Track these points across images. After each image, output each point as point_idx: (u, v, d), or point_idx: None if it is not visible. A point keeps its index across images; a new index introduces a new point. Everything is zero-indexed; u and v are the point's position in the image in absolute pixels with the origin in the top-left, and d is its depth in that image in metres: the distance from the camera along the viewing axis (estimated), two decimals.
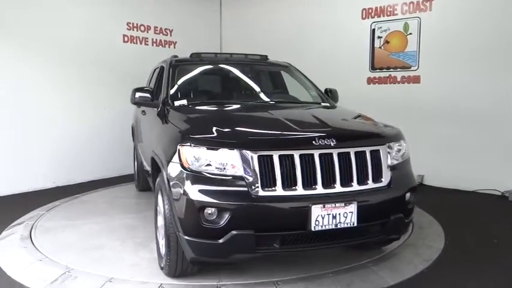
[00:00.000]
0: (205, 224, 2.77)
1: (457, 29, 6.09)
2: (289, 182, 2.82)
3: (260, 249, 2.84)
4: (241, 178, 2.80)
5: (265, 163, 2.81)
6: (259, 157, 2.81)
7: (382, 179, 3.06)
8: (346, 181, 2.94)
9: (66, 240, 4.13)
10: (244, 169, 2.80)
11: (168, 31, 7.93)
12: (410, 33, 6.52)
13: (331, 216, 2.82)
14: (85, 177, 6.75)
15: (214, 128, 3.12)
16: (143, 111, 4.98)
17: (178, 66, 4.58)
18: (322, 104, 4.43)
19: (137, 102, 4.25)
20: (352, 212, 2.86)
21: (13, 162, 5.97)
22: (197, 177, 2.84)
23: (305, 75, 4.92)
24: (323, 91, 4.71)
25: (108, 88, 6.92)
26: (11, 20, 5.79)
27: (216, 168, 2.83)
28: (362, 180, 2.99)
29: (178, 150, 2.94)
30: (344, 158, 2.94)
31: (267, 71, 5.15)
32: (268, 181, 2.80)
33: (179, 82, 4.40)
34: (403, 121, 6.62)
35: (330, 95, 4.65)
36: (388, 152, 3.16)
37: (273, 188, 2.80)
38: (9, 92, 5.86)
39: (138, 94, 4.18)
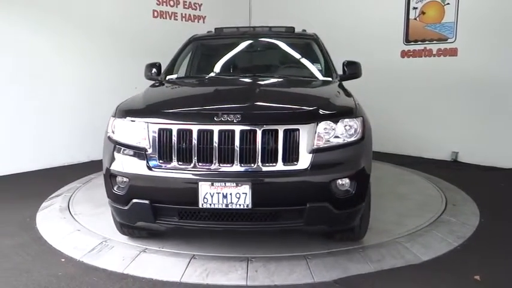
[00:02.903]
0: (116, 191, 3.04)
1: None
2: (184, 156, 2.86)
3: (160, 220, 2.98)
4: (144, 149, 2.93)
5: (164, 136, 2.89)
6: (159, 130, 2.90)
7: (297, 162, 2.81)
8: (247, 161, 2.80)
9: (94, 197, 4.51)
10: (148, 140, 2.93)
11: (197, 5, 7.86)
12: (448, 3, 6.22)
13: (221, 195, 2.78)
14: None
15: (146, 101, 3.29)
16: None
17: (192, 41, 4.64)
18: (320, 79, 4.10)
19: (151, 78, 4.31)
20: (245, 194, 2.76)
21: (49, 137, 6.16)
22: (113, 147, 3.08)
23: (322, 47, 4.51)
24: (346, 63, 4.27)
25: (139, 64, 6.94)
26: None
27: (132, 139, 2.99)
28: (268, 161, 2.80)
29: (109, 121, 3.22)
30: (248, 136, 2.79)
31: (287, 44, 4.71)
32: (164, 154, 2.89)
33: (184, 57, 4.45)
34: (438, 96, 6.47)
35: (347, 69, 4.19)
36: (327, 132, 2.88)
37: (168, 161, 2.89)
38: (44, 67, 6.00)
39: (153, 70, 4.29)
